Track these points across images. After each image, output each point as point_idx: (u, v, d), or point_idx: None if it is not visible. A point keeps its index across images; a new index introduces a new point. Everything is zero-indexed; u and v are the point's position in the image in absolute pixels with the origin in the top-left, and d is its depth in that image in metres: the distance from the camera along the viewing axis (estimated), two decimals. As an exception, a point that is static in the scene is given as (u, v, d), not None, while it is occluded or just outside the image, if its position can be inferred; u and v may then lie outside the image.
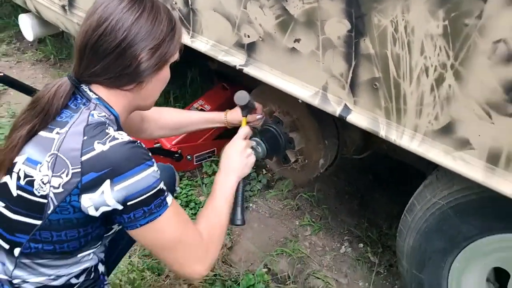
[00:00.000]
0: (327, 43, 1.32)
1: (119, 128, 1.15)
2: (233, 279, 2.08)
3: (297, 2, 1.34)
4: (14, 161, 1.07)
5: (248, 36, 1.55)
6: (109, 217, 1.06)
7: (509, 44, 0.98)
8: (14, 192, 1.06)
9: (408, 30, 1.13)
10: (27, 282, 1.11)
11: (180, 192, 2.49)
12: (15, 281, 1.11)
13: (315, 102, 1.44)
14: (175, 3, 1.76)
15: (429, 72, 1.14)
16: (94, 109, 1.09)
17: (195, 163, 2.69)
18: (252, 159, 1.42)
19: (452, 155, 1.19)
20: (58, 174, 1.01)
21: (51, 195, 1.02)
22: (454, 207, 1.40)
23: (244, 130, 1.48)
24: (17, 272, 1.10)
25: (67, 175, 1.01)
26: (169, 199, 1.09)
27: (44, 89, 1.11)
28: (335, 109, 1.40)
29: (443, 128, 1.19)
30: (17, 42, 4.27)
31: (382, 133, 1.31)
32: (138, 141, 1.08)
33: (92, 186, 1.00)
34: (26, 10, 3.34)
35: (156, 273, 2.12)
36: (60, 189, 1.01)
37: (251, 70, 1.60)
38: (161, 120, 1.67)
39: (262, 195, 2.58)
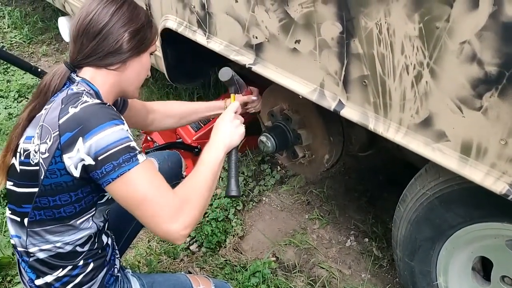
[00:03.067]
0: (323, 44, 1.46)
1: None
2: (242, 265, 2.23)
3: (297, 7, 1.48)
4: (19, 140, 1.26)
5: (256, 37, 1.70)
6: (92, 179, 1.17)
7: (473, 45, 1.09)
8: (18, 168, 1.24)
9: (390, 31, 1.26)
10: (40, 250, 1.28)
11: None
12: (30, 250, 1.28)
13: (313, 97, 1.58)
14: (194, 6, 1.93)
15: (409, 70, 1.27)
16: (75, 86, 1.27)
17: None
18: (242, 129, 1.45)
19: (432, 146, 1.31)
20: (44, 140, 1.17)
21: (41, 161, 1.18)
22: (439, 197, 1.50)
23: (234, 105, 1.53)
24: (30, 241, 1.28)
25: (50, 140, 1.17)
26: (141, 157, 1.17)
27: (45, 75, 1.32)
28: (331, 104, 1.53)
29: (423, 122, 1.31)
30: (56, 43, 4.56)
31: (371, 126, 1.44)
32: (108, 104, 1.23)
33: (69, 145, 1.14)
34: (65, 13, 3.60)
35: (172, 257, 2.29)
36: (46, 154, 1.17)
37: (259, 69, 1.75)
38: (167, 110, 1.83)
39: (275, 190, 2.72)
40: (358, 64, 1.39)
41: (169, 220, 1.15)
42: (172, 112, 1.84)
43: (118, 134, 1.15)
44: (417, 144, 1.34)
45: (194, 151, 2.73)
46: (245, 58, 1.80)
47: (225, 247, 2.34)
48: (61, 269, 1.30)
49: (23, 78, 3.85)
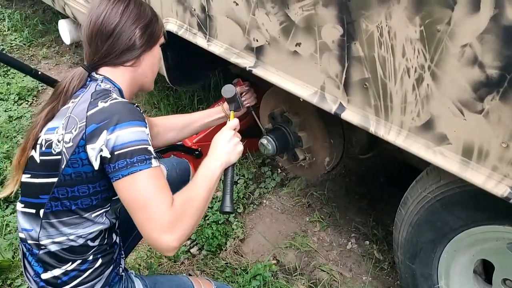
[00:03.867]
0: (324, 47, 1.46)
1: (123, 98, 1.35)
2: (242, 268, 2.23)
3: (297, 9, 1.48)
4: (39, 137, 1.28)
5: (257, 40, 1.70)
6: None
7: (474, 48, 1.09)
8: (38, 159, 1.27)
9: (391, 34, 1.26)
10: (53, 243, 1.29)
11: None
12: (42, 242, 1.30)
13: (314, 100, 1.57)
14: (194, 9, 1.93)
15: (410, 72, 1.26)
16: (101, 82, 1.33)
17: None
18: (240, 147, 1.45)
19: (433, 149, 1.31)
20: (70, 130, 1.22)
21: (64, 150, 1.21)
22: (440, 200, 1.50)
23: (233, 122, 1.53)
24: (43, 233, 1.29)
25: (75, 130, 1.21)
26: (155, 162, 1.20)
27: (64, 77, 1.35)
28: (332, 107, 1.53)
29: (424, 124, 1.30)
30: (56, 46, 4.56)
31: (372, 129, 1.43)
32: (136, 104, 1.28)
33: (94, 136, 1.18)
34: (65, 16, 3.60)
35: (172, 260, 2.29)
36: (70, 143, 1.21)
37: (259, 72, 1.75)
38: (169, 124, 1.84)
39: (276, 192, 2.71)
40: (359, 67, 1.39)
41: (162, 231, 1.16)
42: (173, 125, 1.85)
43: (139, 134, 1.20)
44: (418, 147, 1.34)
45: (194, 154, 2.73)
46: (246, 61, 1.80)
47: (225, 250, 2.34)
48: (70, 263, 1.31)
49: (23, 80, 3.84)
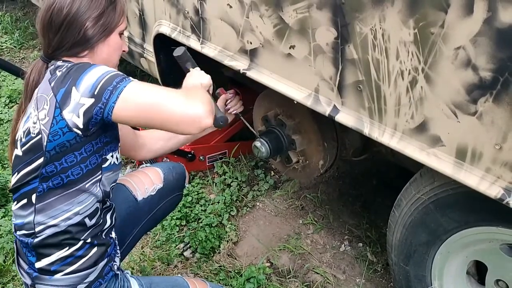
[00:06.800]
0: (318, 49, 1.47)
1: None
2: (236, 271, 2.22)
3: (292, 12, 1.48)
4: (17, 137, 1.31)
5: (251, 43, 1.70)
6: (97, 121, 1.21)
7: (467, 51, 1.10)
8: (20, 152, 1.28)
9: (385, 37, 1.27)
10: (48, 227, 1.29)
11: (191, 190, 2.65)
12: (37, 229, 1.29)
13: (308, 103, 1.58)
14: (187, 12, 1.93)
15: (404, 75, 1.27)
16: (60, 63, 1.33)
17: (207, 164, 2.85)
18: (207, 76, 1.56)
19: (427, 151, 1.32)
20: (41, 107, 1.24)
21: (42, 127, 1.22)
22: (434, 202, 1.51)
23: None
24: (38, 219, 1.29)
25: (47, 104, 1.23)
26: (133, 79, 1.24)
27: (25, 75, 1.39)
28: (326, 109, 1.53)
29: (418, 127, 1.31)
30: (47, 48, 4.53)
31: (366, 131, 1.44)
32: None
33: (65, 99, 1.20)
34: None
35: (165, 263, 2.28)
36: (46, 118, 1.22)
37: (253, 74, 1.75)
38: (155, 133, 1.81)
39: (269, 195, 2.71)
40: (353, 70, 1.40)
41: (191, 107, 1.21)
42: (162, 135, 1.81)
43: (104, 69, 1.23)
44: (412, 149, 1.35)
45: (187, 157, 2.72)
46: (240, 64, 1.80)
47: (219, 252, 2.33)
48: (67, 247, 1.31)
49: (13, 83, 3.81)
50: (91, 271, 1.35)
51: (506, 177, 1.16)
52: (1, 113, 3.48)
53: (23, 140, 1.27)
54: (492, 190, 1.19)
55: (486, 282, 1.54)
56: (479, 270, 1.63)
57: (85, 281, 1.35)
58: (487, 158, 1.18)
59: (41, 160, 1.24)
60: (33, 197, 1.29)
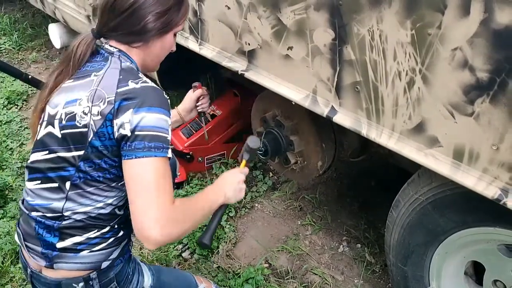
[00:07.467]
0: (316, 50, 1.47)
1: None
2: (235, 272, 2.22)
3: (289, 13, 1.49)
4: (54, 112, 1.29)
5: (249, 44, 1.71)
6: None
7: (464, 52, 1.11)
8: (59, 134, 1.27)
9: (382, 38, 1.27)
10: (77, 213, 1.28)
11: (190, 191, 2.65)
12: (66, 214, 1.28)
13: (306, 104, 1.58)
14: (186, 13, 1.93)
15: (401, 76, 1.28)
16: (120, 58, 1.33)
17: (206, 165, 2.85)
18: (242, 195, 1.49)
19: (424, 152, 1.32)
20: (97, 103, 1.23)
21: (92, 122, 1.22)
22: (432, 202, 1.51)
23: (245, 170, 1.57)
24: (69, 204, 1.28)
25: (104, 103, 1.22)
26: (169, 152, 1.21)
27: (72, 42, 1.36)
28: (323, 110, 1.54)
29: (415, 127, 1.31)
30: (46, 50, 4.52)
31: (364, 132, 1.44)
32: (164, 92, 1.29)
33: (121, 111, 1.20)
34: (55, 20, 3.58)
35: (164, 264, 2.28)
36: (99, 116, 1.22)
37: (251, 75, 1.75)
38: None
39: (267, 196, 2.72)
40: (350, 71, 1.40)
41: (156, 220, 1.14)
42: None
43: (163, 123, 1.21)
44: (410, 150, 1.35)
45: (186, 158, 2.72)
46: (238, 65, 1.80)
47: (217, 253, 2.33)
48: (96, 230, 1.31)
49: (12, 85, 3.81)
50: (116, 248, 1.36)
51: (503, 177, 1.16)
52: (0, 115, 3.48)
53: (64, 122, 1.26)
54: (489, 190, 1.19)
55: (484, 283, 1.54)
56: (477, 271, 1.64)
57: (109, 257, 1.35)
58: (484, 158, 1.19)
59: (81, 152, 1.24)
60: (67, 184, 1.27)
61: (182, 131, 2.80)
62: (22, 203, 1.38)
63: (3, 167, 2.89)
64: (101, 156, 1.24)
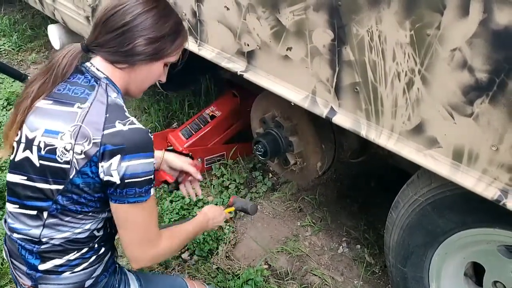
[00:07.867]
0: (315, 51, 1.47)
1: None
2: (234, 273, 2.22)
3: (288, 14, 1.49)
4: (32, 136, 1.25)
5: (248, 45, 1.71)
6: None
7: (464, 52, 1.10)
8: (37, 163, 1.24)
9: (381, 39, 1.27)
10: (55, 238, 1.28)
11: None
12: (44, 239, 1.28)
13: (305, 104, 1.58)
14: (185, 14, 1.93)
15: (400, 76, 1.27)
16: (107, 89, 1.28)
17: (205, 166, 2.85)
18: (219, 224, 1.75)
19: (424, 152, 1.32)
20: (81, 142, 1.19)
21: (74, 160, 1.20)
22: (431, 203, 1.51)
23: (228, 215, 1.86)
24: (46, 232, 1.28)
25: (88, 144, 1.19)
26: (152, 190, 1.26)
27: (58, 52, 1.32)
28: (323, 111, 1.54)
29: (415, 128, 1.31)
30: (45, 51, 4.52)
31: (363, 133, 1.44)
32: (150, 131, 1.27)
33: (107, 156, 1.18)
34: (54, 21, 3.58)
35: (163, 265, 2.27)
36: (83, 155, 1.19)
37: (250, 76, 1.75)
38: None
39: (267, 197, 2.71)
40: (349, 71, 1.40)
41: (142, 252, 1.30)
42: None
43: (149, 166, 1.22)
44: (409, 151, 1.35)
45: (185, 159, 2.71)
46: (237, 66, 1.80)
47: (217, 254, 2.33)
48: (75, 252, 1.31)
49: (11, 86, 3.81)
50: (98, 266, 1.36)
51: (502, 178, 1.16)
52: (-1, 116, 3.48)
53: (43, 153, 1.23)
54: (489, 191, 1.19)
55: (484, 284, 1.54)
56: (476, 272, 1.63)
57: (93, 276, 1.35)
58: (483, 159, 1.18)
59: (60, 186, 1.23)
60: (45, 214, 1.27)
61: (181, 132, 2.80)
62: (5, 222, 1.37)
63: (2, 168, 2.89)
64: (81, 192, 1.23)
